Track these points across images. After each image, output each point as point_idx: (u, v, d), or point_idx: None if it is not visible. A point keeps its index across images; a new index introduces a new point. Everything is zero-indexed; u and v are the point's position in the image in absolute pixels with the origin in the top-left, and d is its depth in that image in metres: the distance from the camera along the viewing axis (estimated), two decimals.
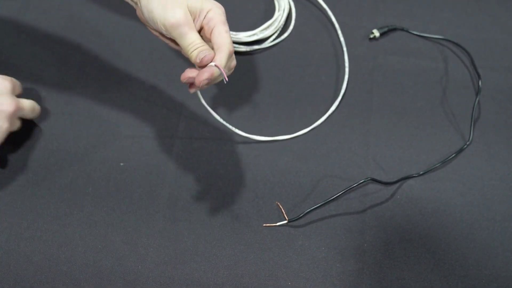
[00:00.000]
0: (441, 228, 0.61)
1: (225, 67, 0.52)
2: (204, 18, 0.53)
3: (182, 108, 0.67)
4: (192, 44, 0.52)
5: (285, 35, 0.74)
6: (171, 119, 0.66)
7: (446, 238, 0.60)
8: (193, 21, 0.53)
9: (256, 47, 0.72)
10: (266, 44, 0.73)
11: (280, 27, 0.74)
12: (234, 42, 0.72)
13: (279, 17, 0.74)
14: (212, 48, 0.53)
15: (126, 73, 0.69)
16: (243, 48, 0.71)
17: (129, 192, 0.61)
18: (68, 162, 0.62)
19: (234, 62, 0.55)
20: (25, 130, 0.63)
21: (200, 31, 0.54)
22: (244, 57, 0.71)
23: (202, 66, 0.52)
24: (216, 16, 0.53)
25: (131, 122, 0.65)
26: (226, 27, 0.53)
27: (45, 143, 0.63)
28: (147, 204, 0.60)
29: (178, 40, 0.52)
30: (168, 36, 0.55)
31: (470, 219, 0.62)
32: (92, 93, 0.67)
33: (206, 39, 0.54)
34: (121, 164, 0.62)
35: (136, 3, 0.56)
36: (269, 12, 0.76)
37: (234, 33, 0.72)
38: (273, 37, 0.73)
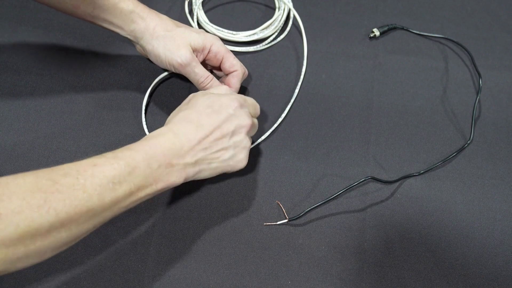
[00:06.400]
0: (441, 227, 0.61)
1: (237, 89, 0.62)
2: (209, 52, 0.61)
3: None
4: (201, 77, 0.60)
5: (284, 34, 0.74)
6: None
7: (446, 237, 0.60)
8: (196, 56, 0.60)
9: (256, 46, 0.72)
10: (266, 43, 0.73)
11: (280, 26, 0.74)
12: (234, 42, 0.72)
13: (279, 16, 0.74)
14: (224, 73, 0.63)
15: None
16: (243, 48, 0.72)
17: None
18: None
19: (246, 72, 0.64)
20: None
21: (202, 61, 0.62)
22: (244, 56, 0.71)
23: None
24: (221, 48, 0.62)
25: (131, 122, 0.66)
26: (232, 54, 0.62)
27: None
28: (147, 203, 0.60)
29: (187, 75, 0.61)
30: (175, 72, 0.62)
31: (470, 218, 0.61)
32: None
33: (215, 68, 0.64)
34: None
35: (136, 43, 0.62)
36: (269, 12, 0.76)
37: (234, 32, 0.72)
38: (273, 36, 0.73)
